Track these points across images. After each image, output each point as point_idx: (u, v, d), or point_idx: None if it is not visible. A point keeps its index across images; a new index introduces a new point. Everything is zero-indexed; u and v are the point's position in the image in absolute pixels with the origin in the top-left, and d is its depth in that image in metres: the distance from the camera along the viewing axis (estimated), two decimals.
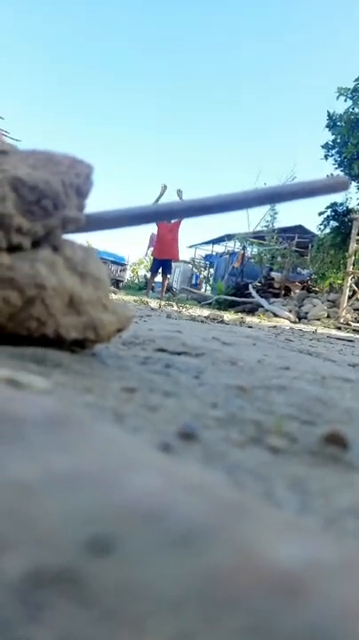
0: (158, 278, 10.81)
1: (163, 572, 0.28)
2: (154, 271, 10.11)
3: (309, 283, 15.54)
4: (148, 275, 11.48)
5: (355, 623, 0.27)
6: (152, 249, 10.63)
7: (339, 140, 15.18)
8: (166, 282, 10.24)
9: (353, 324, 11.29)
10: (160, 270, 9.85)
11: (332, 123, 15.44)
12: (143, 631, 0.25)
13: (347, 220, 14.31)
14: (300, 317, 12.52)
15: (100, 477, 0.37)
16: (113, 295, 6.39)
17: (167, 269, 9.97)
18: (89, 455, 0.42)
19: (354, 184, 14.85)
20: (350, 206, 15.43)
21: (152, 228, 12.94)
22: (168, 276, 10.21)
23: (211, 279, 22.46)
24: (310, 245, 17.06)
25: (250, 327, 4.81)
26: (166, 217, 1.37)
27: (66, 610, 0.27)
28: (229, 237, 21.77)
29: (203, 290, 20.58)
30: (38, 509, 0.33)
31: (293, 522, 0.39)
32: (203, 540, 0.30)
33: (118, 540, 0.30)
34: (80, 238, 1.29)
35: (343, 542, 0.42)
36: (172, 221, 9.24)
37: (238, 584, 0.27)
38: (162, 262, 9.74)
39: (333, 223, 15.42)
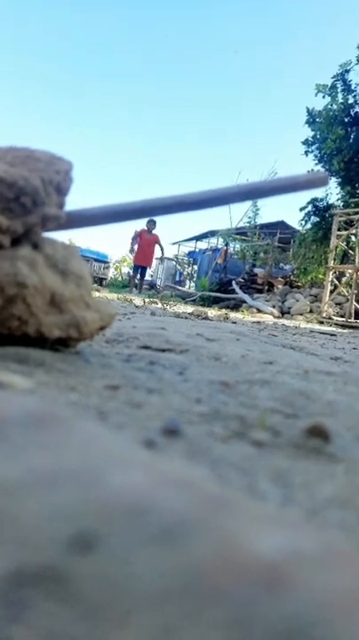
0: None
1: (146, 567, 0.28)
2: (135, 273, 13.03)
3: (292, 278, 15.67)
4: (132, 272, 13.87)
5: (336, 612, 0.27)
6: (136, 246, 12.50)
7: (318, 137, 15.33)
8: (143, 282, 13.56)
9: (335, 319, 11.44)
10: (139, 272, 12.92)
11: (312, 119, 15.57)
12: (126, 627, 0.25)
13: (327, 215, 14.46)
14: (283, 312, 12.62)
15: (83, 475, 0.37)
16: (96, 293, 6.36)
17: (143, 272, 13.18)
18: (71, 453, 0.42)
19: (333, 179, 15.01)
20: (330, 202, 15.61)
21: (135, 225, 13.38)
22: (144, 277, 13.55)
23: (194, 276, 22.49)
24: (292, 241, 17.20)
25: (234, 323, 4.84)
26: (148, 213, 1.37)
27: (49, 608, 0.27)
28: (212, 234, 21.80)
29: (186, 286, 20.58)
30: (20, 508, 0.32)
31: (276, 514, 0.40)
32: (186, 534, 0.30)
33: (101, 536, 0.30)
34: (62, 236, 1.28)
35: (325, 533, 0.42)
36: (152, 233, 12.16)
37: (220, 577, 0.27)
38: (140, 267, 12.77)
39: (314, 218, 15.58)
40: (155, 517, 0.32)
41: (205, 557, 0.29)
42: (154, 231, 12.38)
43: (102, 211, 1.31)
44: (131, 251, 12.98)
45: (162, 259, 14.32)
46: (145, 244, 12.30)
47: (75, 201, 1.30)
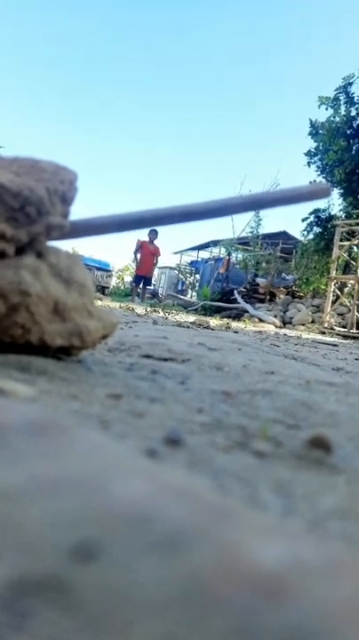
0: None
1: (148, 575, 0.28)
2: (137, 283, 13.39)
3: (294, 288, 15.69)
4: (134, 282, 14.14)
5: (337, 622, 0.27)
6: (139, 256, 12.76)
7: (321, 148, 15.43)
8: (146, 291, 13.99)
9: (337, 329, 11.42)
10: (142, 282, 13.26)
11: (314, 131, 15.69)
12: (128, 635, 0.25)
13: (329, 226, 14.50)
14: (285, 322, 12.61)
15: (85, 483, 0.37)
16: (99, 302, 6.37)
17: (147, 282, 13.55)
18: (74, 461, 0.42)
19: (335, 191, 15.08)
20: (333, 212, 15.66)
21: (137, 235, 13.53)
22: (147, 287, 14.01)
23: (196, 285, 22.53)
24: (294, 251, 17.23)
25: (235, 332, 4.84)
26: (151, 223, 1.38)
27: (51, 617, 0.27)
28: (214, 243, 21.87)
29: (188, 296, 20.61)
30: (22, 516, 0.33)
31: (277, 524, 0.40)
32: (188, 543, 0.31)
33: (103, 545, 0.30)
34: (65, 245, 1.29)
35: (326, 544, 0.42)
36: (154, 245, 12.52)
37: (222, 586, 0.27)
38: (143, 277, 13.09)
39: (316, 229, 15.62)
40: (157, 526, 0.32)
41: (207, 566, 0.29)
42: (155, 241, 12.65)
43: (106, 220, 1.33)
44: (134, 260, 13.25)
45: (154, 267, 14.61)
46: (147, 254, 12.58)
47: (79, 210, 1.31)
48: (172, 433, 0.73)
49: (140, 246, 12.62)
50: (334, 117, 15.31)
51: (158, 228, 10.98)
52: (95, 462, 0.44)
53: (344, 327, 11.69)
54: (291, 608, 0.27)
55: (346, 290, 12.67)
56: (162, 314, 6.96)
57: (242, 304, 13.51)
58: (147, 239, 12.52)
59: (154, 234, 12.36)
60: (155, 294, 18.87)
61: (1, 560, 0.29)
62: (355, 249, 13.21)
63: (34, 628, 0.26)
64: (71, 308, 1.19)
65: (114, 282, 20.98)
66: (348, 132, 14.92)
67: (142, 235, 12.76)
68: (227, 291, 15.81)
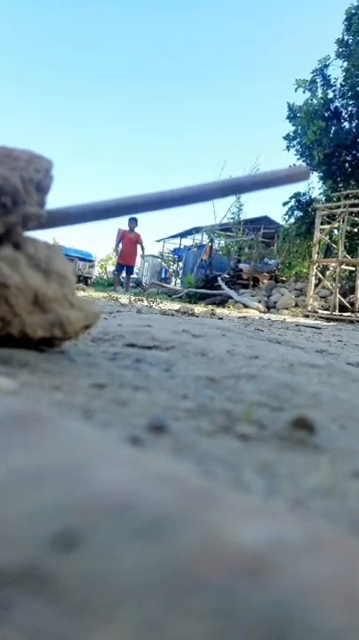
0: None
1: (131, 562, 0.28)
2: (119, 272, 13.42)
3: (277, 273, 15.77)
4: (116, 272, 14.06)
5: (320, 599, 0.28)
6: (120, 246, 12.76)
7: (299, 131, 15.42)
8: (129, 279, 13.81)
9: (320, 312, 11.54)
10: (124, 271, 13.28)
11: (293, 114, 15.66)
12: (111, 622, 0.25)
13: (310, 209, 14.56)
14: (269, 307, 12.70)
15: (66, 473, 0.37)
16: (82, 292, 6.31)
17: (130, 271, 13.51)
18: (55, 452, 0.42)
19: (315, 174, 15.13)
20: (313, 196, 15.72)
21: (119, 223, 13.44)
22: (130, 276, 13.93)
23: (180, 273, 22.48)
24: (276, 236, 17.29)
25: (220, 319, 4.85)
26: (129, 211, 1.36)
27: (33, 607, 0.26)
28: (197, 230, 21.81)
29: (172, 284, 20.57)
30: (3, 507, 0.32)
31: (260, 505, 0.40)
32: (170, 527, 0.31)
33: (84, 533, 0.30)
34: (46, 235, 1.27)
35: (309, 522, 0.43)
36: (135, 233, 12.43)
37: (203, 568, 0.27)
38: (125, 265, 13.07)
39: (297, 213, 15.68)
40: (139, 512, 0.32)
41: (189, 550, 0.29)
42: (136, 229, 12.60)
43: (83, 209, 1.31)
44: (116, 250, 13.19)
45: (143, 257, 14.58)
46: (128, 242, 12.55)
47: (57, 200, 1.29)
48: (156, 420, 0.73)
49: (122, 236, 12.60)
50: (311, 100, 15.30)
51: (137, 216, 10.96)
52: (77, 452, 0.44)
53: (327, 310, 11.82)
54: (274, 587, 0.27)
55: (328, 273, 12.78)
56: (146, 302, 6.93)
57: (226, 290, 13.54)
58: (127, 228, 12.49)
59: (133, 222, 12.32)
60: (138, 283, 18.79)
61: None
62: (336, 232, 13.30)
63: (16, 618, 0.26)
64: (51, 298, 1.18)
65: (96, 272, 20.80)
66: (326, 114, 14.93)
67: (123, 224, 12.73)
68: (211, 277, 15.81)
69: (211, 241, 18.74)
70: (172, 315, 4.46)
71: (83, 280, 16.13)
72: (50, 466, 0.39)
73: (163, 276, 23.54)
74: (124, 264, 12.99)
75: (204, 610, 0.25)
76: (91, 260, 18.10)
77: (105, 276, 21.15)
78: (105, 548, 0.29)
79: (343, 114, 15.18)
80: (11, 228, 1.15)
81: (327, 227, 12.89)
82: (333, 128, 14.77)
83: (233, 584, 0.27)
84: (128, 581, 0.27)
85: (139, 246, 12.80)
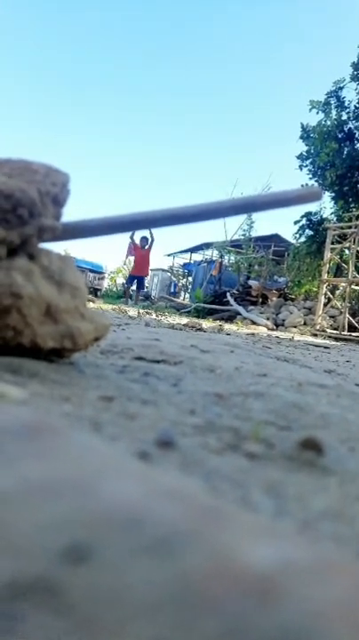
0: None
1: (140, 577, 0.28)
2: (130, 283, 13.78)
3: (286, 290, 15.76)
4: (126, 284, 14.47)
5: (329, 622, 0.27)
6: (131, 258, 13.29)
7: (312, 151, 15.55)
8: (139, 292, 14.09)
9: (328, 331, 11.48)
10: (135, 283, 13.52)
11: (306, 134, 15.82)
12: (120, 637, 0.25)
13: (321, 228, 14.60)
14: (277, 325, 12.66)
15: (77, 485, 0.37)
16: (91, 304, 6.35)
17: (141, 283, 13.71)
18: (65, 464, 0.42)
19: (327, 194, 15.20)
20: (324, 215, 15.78)
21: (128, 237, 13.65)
22: (141, 289, 14.09)
23: (189, 287, 22.54)
24: (286, 254, 17.32)
25: (228, 335, 4.84)
26: (144, 225, 1.38)
27: (43, 620, 0.27)
28: (207, 246, 21.92)
29: (181, 298, 20.63)
30: (13, 518, 0.32)
31: (268, 526, 0.40)
32: (180, 545, 0.31)
33: (94, 547, 0.30)
34: (58, 247, 1.29)
35: (317, 545, 0.43)
36: (146, 247, 12.79)
37: (213, 588, 0.27)
38: (137, 277, 13.32)
39: (308, 232, 15.73)
40: (148, 528, 0.32)
41: (199, 568, 0.29)
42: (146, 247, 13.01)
43: (98, 222, 1.32)
44: (125, 262, 13.45)
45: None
46: (139, 256, 13.05)
47: (71, 212, 1.31)
48: (164, 435, 0.73)
49: (133, 248, 12.94)
50: (325, 121, 15.46)
51: (150, 230, 11.17)
52: (87, 464, 0.44)
53: (336, 329, 11.76)
54: (283, 609, 0.27)
55: (337, 292, 12.76)
56: (154, 316, 6.95)
57: (234, 306, 13.54)
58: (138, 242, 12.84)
59: (144, 240, 12.69)
60: (147, 296, 18.87)
61: None
62: (347, 252, 13.29)
63: (25, 630, 0.26)
64: (63, 310, 1.19)
65: (106, 284, 20.93)
66: (339, 135, 15.06)
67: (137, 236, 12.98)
68: (220, 293, 15.84)
69: (222, 257, 18.81)
70: (181, 329, 4.47)
71: (93, 292, 16.24)
72: (61, 477, 0.39)
73: (172, 290, 23.62)
74: (136, 275, 13.28)
75: (213, 629, 0.25)
76: (101, 272, 18.24)
77: (114, 289, 21.27)
78: (115, 562, 0.29)
79: (356, 135, 15.30)
80: (27, 239, 1.16)
81: (338, 246, 12.90)
82: (346, 149, 14.88)
83: (242, 604, 0.27)
84: (138, 597, 0.27)
85: (149, 255, 13.16)
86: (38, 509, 0.34)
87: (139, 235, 12.53)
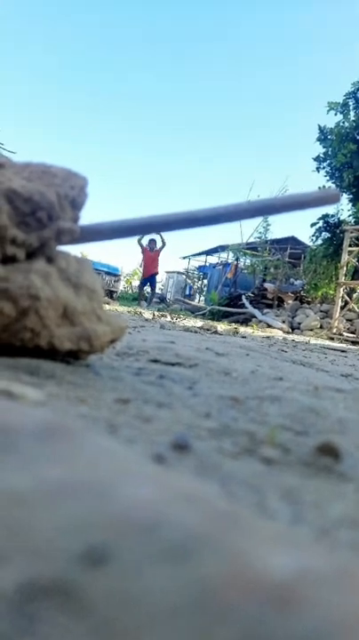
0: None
1: (157, 582, 0.28)
2: (143, 285, 13.99)
3: (302, 293, 15.63)
4: (140, 286, 14.58)
5: (346, 632, 0.27)
6: (143, 260, 13.47)
7: (329, 153, 15.42)
8: (154, 294, 14.26)
9: (345, 335, 11.35)
10: (148, 284, 13.79)
11: (323, 136, 15.69)
12: None
13: (338, 231, 14.46)
14: (293, 328, 12.57)
15: (94, 488, 0.37)
16: (107, 306, 6.40)
17: (153, 283, 13.91)
18: (82, 466, 0.43)
19: (345, 196, 15.04)
20: (341, 218, 15.62)
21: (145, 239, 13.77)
22: (153, 287, 14.25)
23: (204, 290, 22.53)
24: (303, 256, 17.19)
25: (243, 337, 4.82)
26: (162, 228, 1.38)
27: (60, 622, 0.27)
28: (223, 248, 21.88)
29: (196, 300, 20.62)
30: (32, 520, 0.33)
31: (286, 532, 0.39)
32: (197, 550, 0.31)
33: (112, 550, 0.30)
34: (75, 249, 1.30)
35: (335, 553, 0.42)
36: (155, 250, 12.96)
37: (231, 594, 0.27)
38: (148, 278, 13.59)
39: (325, 234, 15.58)
40: (166, 532, 0.32)
41: (216, 574, 0.29)
42: (155, 249, 13.24)
43: (115, 225, 1.33)
44: (141, 265, 13.65)
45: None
46: (148, 257, 13.25)
47: (89, 215, 1.32)
48: (180, 438, 0.73)
49: (143, 250, 13.13)
50: (343, 122, 15.31)
51: (167, 234, 11.23)
52: (104, 467, 0.44)
53: (353, 333, 11.62)
54: (301, 617, 0.27)
55: (354, 295, 12.61)
56: (169, 318, 6.96)
57: (250, 309, 13.49)
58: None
59: (153, 242, 12.80)
60: (162, 299, 18.92)
61: (11, 564, 0.29)
62: None
63: (43, 632, 0.26)
64: (80, 312, 1.20)
65: (122, 286, 21.04)
66: (358, 136, 14.90)
67: (145, 239, 13.12)
68: (235, 296, 15.79)
69: (237, 259, 18.76)
70: (196, 332, 4.46)
71: (109, 294, 16.35)
72: (78, 479, 0.39)
73: (187, 292, 23.62)
74: (147, 275, 13.49)
75: (231, 636, 0.25)
76: (117, 275, 18.36)
77: (130, 291, 21.36)
78: (133, 566, 0.29)
79: None
80: (46, 242, 1.18)
81: (355, 249, 12.76)
82: None
83: (260, 612, 0.26)
84: (155, 601, 0.27)
85: (158, 257, 13.36)
86: (56, 511, 0.34)
87: (147, 238, 12.64)
